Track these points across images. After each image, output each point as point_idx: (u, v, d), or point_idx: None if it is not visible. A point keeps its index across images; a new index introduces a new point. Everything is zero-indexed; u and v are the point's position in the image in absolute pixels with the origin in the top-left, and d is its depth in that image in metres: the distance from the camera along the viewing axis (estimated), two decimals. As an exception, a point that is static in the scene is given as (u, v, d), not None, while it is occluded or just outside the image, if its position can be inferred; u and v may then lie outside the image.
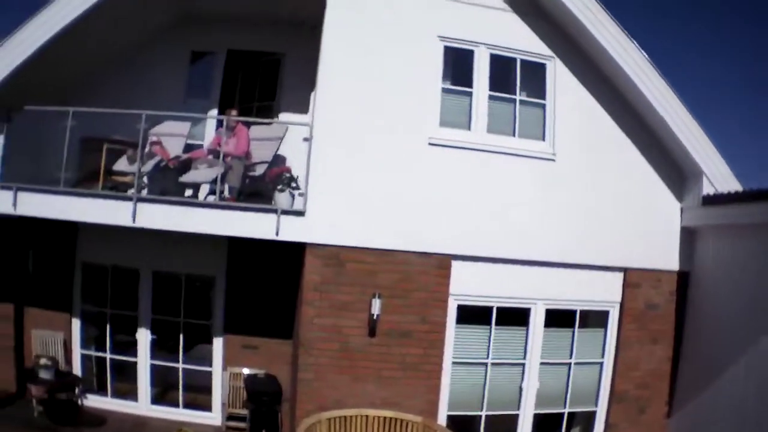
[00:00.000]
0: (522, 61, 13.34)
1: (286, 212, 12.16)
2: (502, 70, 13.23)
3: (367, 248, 12.29)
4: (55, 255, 15.21)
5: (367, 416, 12.52)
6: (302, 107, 14.56)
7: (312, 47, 13.47)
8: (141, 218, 12.25)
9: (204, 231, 12.18)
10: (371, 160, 12.40)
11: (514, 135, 13.12)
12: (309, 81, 13.72)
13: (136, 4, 14.00)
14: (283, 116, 14.92)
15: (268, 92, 15.59)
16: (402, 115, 12.51)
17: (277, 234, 12.08)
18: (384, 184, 12.39)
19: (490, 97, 13.09)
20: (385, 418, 12.54)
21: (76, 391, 15.24)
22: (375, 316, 12.15)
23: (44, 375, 13.43)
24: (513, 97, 13.23)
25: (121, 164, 13.15)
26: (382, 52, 12.65)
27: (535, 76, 13.46)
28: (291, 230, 12.15)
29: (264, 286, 14.58)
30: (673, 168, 13.80)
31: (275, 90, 15.42)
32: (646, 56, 12.83)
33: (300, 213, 12.17)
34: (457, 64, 13.08)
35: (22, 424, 13.56)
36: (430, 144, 12.50)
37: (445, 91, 12.86)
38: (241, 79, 16.11)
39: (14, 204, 12.68)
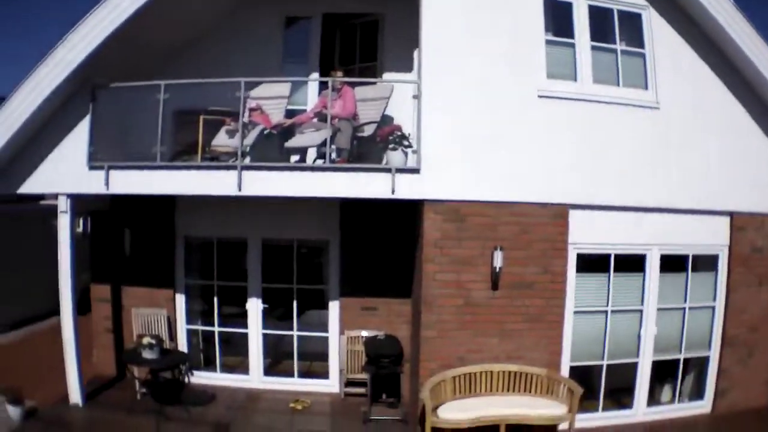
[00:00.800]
0: (618, 11, 13.43)
1: (400, 170, 12.21)
2: (600, 20, 13.34)
3: (487, 201, 12.36)
4: (153, 232, 15.59)
5: (491, 371, 12.79)
6: (405, 66, 14.57)
7: (411, 5, 13.19)
8: (247, 187, 12.40)
9: (316, 195, 12.37)
10: (482, 113, 12.40)
11: (618, 85, 13.20)
12: (410, 40, 13.77)
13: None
14: (387, 76, 14.80)
15: (368, 54, 15.53)
16: (509, 67, 12.52)
17: (393, 193, 12.17)
18: (496, 137, 12.44)
19: (592, 48, 13.20)
20: (509, 372, 12.80)
21: (182, 368, 15.60)
22: (497, 269, 12.29)
23: (148, 355, 13.44)
24: (613, 47, 13.35)
25: (221, 138, 13.25)
26: (484, 5, 12.66)
27: (632, 26, 13.58)
28: (406, 188, 12.20)
29: (379, 246, 14.70)
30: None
31: (376, 51, 15.36)
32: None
33: (415, 170, 12.20)
34: (557, 17, 13.18)
35: (125, 407, 13.85)
36: (539, 96, 12.50)
37: (548, 42, 12.95)
38: (339, 43, 16.21)
39: (107, 183, 12.98)
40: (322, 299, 15.40)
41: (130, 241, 15.68)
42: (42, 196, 15.77)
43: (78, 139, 13.16)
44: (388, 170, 12.23)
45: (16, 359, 18.11)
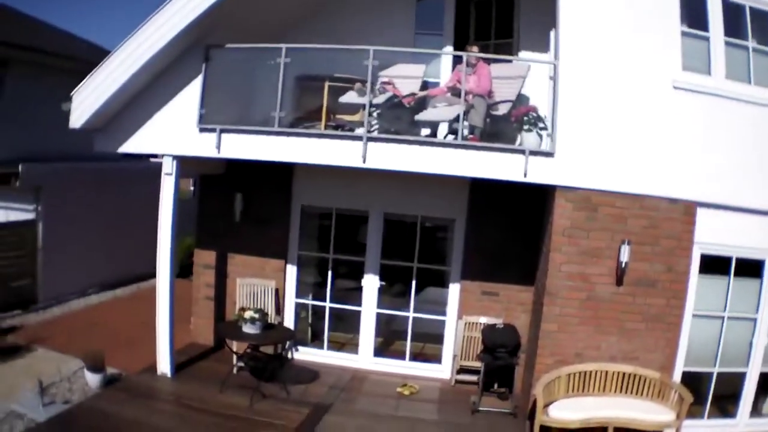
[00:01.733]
0: (751, 8, 12.94)
1: (534, 153, 11.98)
2: (732, 16, 12.90)
3: (618, 192, 12.07)
4: (267, 199, 15.65)
5: (606, 371, 12.57)
6: (541, 46, 14.17)
7: None
8: (372, 159, 12.32)
9: (446, 172, 12.21)
10: (616, 101, 12.09)
11: (749, 82, 12.74)
12: (546, 19, 13.29)
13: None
14: (523, 54, 14.55)
15: (504, 30, 15.16)
16: (646, 55, 12.09)
17: (525, 175, 11.97)
18: (630, 126, 12.11)
19: (725, 43, 12.74)
20: (623, 373, 12.58)
21: (287, 344, 15.62)
22: (623, 264, 12.02)
23: (249, 329, 13.30)
24: (745, 43, 12.86)
25: (349, 96, 13.00)
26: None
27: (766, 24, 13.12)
28: (539, 172, 11.99)
29: (505, 229, 14.59)
30: None
31: (511, 28, 15.02)
32: None
33: (549, 154, 11.97)
34: (691, 9, 12.75)
35: (217, 381, 13.78)
36: (674, 87, 12.02)
37: (684, 34, 12.53)
38: (474, 18, 15.69)
39: (218, 146, 13.03)
40: (442, 280, 15.33)
41: (241, 207, 15.66)
42: (154, 155, 15.30)
43: (188, 99, 13.20)
44: (522, 152, 12.00)
45: (105, 321, 18.73)
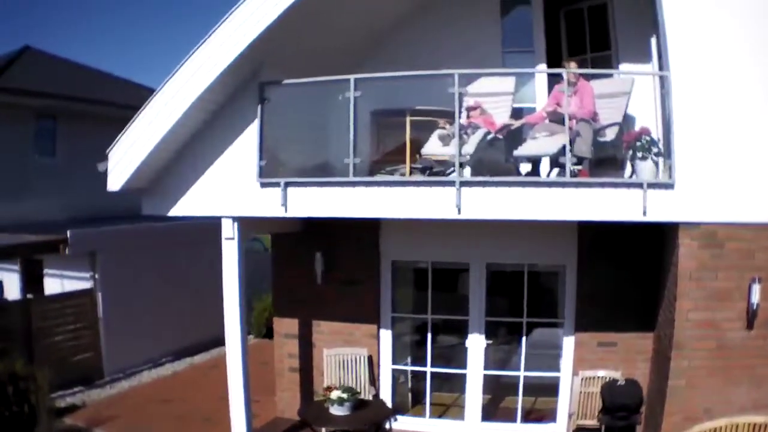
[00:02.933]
0: None
1: (652, 185, 10.82)
2: None
3: (746, 223, 10.81)
4: (351, 258, 14.87)
5: (737, 425, 11.07)
6: (642, 55, 13.16)
7: None
8: (468, 208, 11.33)
9: (555, 218, 11.31)
10: (737, 115, 10.86)
11: None
12: (646, 23, 12.59)
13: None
14: (623, 67, 13.54)
15: (599, 41, 14.18)
16: None
17: (644, 214, 10.85)
18: (754, 145, 10.85)
19: None
20: (754, 424, 11.07)
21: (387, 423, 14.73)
22: (755, 305, 10.77)
23: (337, 411, 12.65)
24: None
25: (432, 146, 12.11)
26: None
27: None
28: (659, 207, 10.84)
29: (620, 272, 13.45)
30: None
31: (608, 38, 14.03)
32: None
33: (668, 186, 10.79)
34: None
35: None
36: None
37: None
38: (565, 30, 15.04)
39: (284, 204, 12.15)
40: (555, 334, 14.44)
41: (322, 268, 14.82)
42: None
43: (245, 149, 12.35)
44: (639, 185, 10.83)
45: (179, 394, 17.91)
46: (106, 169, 12.48)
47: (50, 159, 21.74)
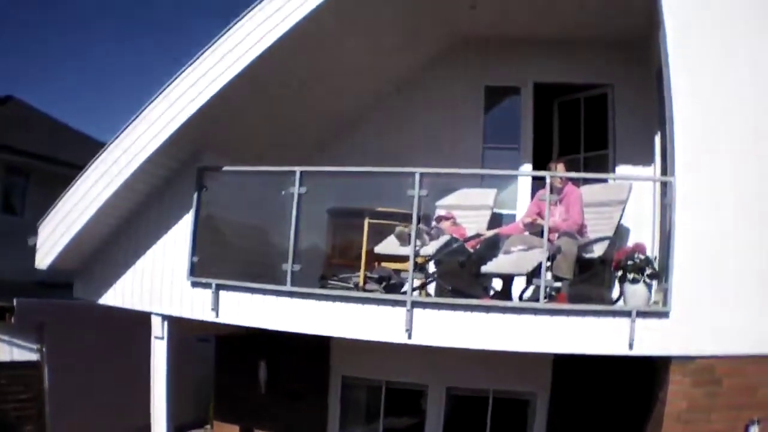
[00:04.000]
0: None
1: (643, 314, 9.24)
2: None
3: (748, 355, 9.25)
4: (299, 369, 13.64)
5: None
6: (643, 157, 12.19)
7: (647, 72, 11.51)
8: (421, 332, 9.88)
9: (522, 349, 9.70)
10: (741, 235, 9.38)
11: None
12: (649, 119, 11.70)
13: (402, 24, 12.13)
14: (621, 170, 12.54)
15: (596, 139, 13.17)
16: None
17: (630, 347, 9.27)
18: (764, 267, 9.25)
19: None
20: None
21: None
22: None
23: None
24: None
25: (388, 245, 10.89)
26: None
27: None
28: (650, 340, 9.29)
29: (599, 404, 12.07)
30: None
31: (605, 135, 13.04)
32: None
33: (663, 314, 9.21)
34: None
35: None
36: None
37: None
38: (558, 122, 13.90)
39: (215, 308, 10.76)
40: None
41: (265, 378, 13.63)
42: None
43: (177, 242, 11.18)
44: (627, 314, 9.27)
45: None
46: (35, 244, 11.55)
47: (18, 219, 20.61)
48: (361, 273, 10.89)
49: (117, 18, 66.12)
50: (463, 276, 10.76)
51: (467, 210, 11.55)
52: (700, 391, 9.51)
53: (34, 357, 17.39)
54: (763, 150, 9.47)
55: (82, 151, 22.15)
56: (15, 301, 16.58)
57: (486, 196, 11.72)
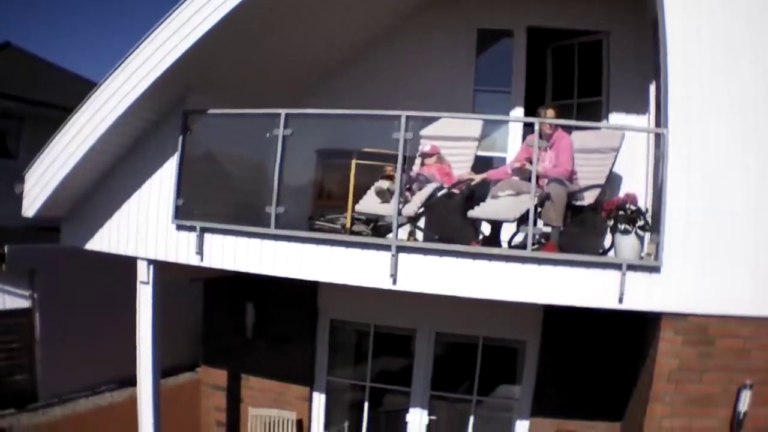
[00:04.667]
0: None
1: (633, 267, 8.96)
2: None
3: (745, 317, 8.96)
4: (287, 310, 13.45)
5: None
6: (637, 104, 11.79)
7: (644, 20, 11.18)
8: (405, 279, 9.67)
9: (509, 298, 9.48)
10: (745, 184, 9.12)
11: None
12: (645, 66, 11.37)
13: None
14: (614, 118, 12.09)
15: (589, 85, 12.65)
16: None
17: (620, 301, 9.04)
18: (762, 227, 9.05)
19: None
20: None
21: None
22: (741, 414, 9.00)
23: None
24: None
25: (368, 203, 10.57)
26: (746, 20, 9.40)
27: None
28: (640, 294, 9.03)
29: (589, 355, 11.97)
30: None
31: (599, 81, 12.51)
32: None
33: (654, 268, 8.92)
34: None
35: None
36: None
37: None
38: (552, 69, 13.47)
39: (199, 251, 10.59)
40: (507, 415, 12.95)
41: (253, 320, 13.47)
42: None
43: (162, 185, 10.95)
44: (617, 266, 8.97)
45: (114, 429, 16.38)
46: (22, 192, 11.41)
47: (13, 162, 20.19)
48: (348, 214, 10.69)
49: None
50: (450, 220, 10.66)
51: (452, 141, 11.30)
52: (692, 350, 9.35)
53: (25, 304, 17.42)
54: (761, 103, 9.21)
55: (78, 94, 22.31)
56: (6, 248, 16.44)
57: (471, 126, 11.36)
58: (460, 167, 11.02)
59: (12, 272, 16.85)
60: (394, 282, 9.68)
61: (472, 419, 12.88)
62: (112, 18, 69.72)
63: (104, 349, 18.16)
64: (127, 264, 11.57)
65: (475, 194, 10.76)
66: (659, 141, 9.47)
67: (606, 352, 11.86)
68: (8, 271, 16.65)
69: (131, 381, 18.14)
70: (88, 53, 62.49)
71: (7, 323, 17.09)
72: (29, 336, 17.42)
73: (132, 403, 17.19)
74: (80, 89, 22.92)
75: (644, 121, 11.66)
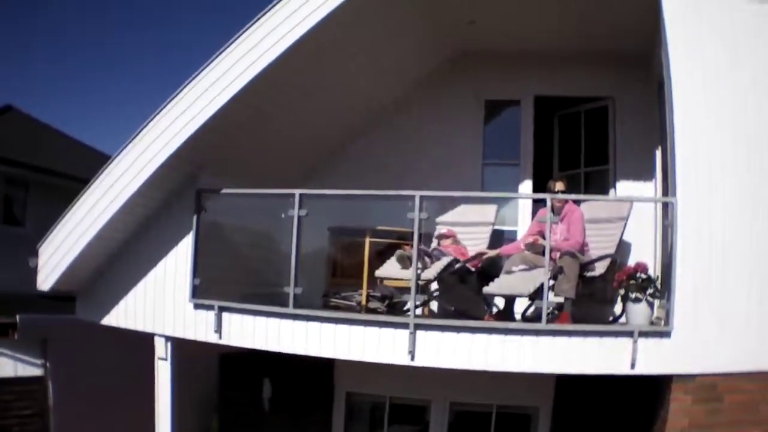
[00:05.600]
0: None
1: (645, 334, 9.26)
2: None
3: (750, 372, 9.21)
4: (302, 386, 13.58)
5: None
6: (644, 171, 12.13)
7: (648, 85, 11.52)
8: (423, 353, 9.96)
9: (523, 370, 9.75)
10: (743, 250, 9.34)
11: None
12: (649, 133, 11.77)
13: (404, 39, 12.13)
14: (622, 186, 12.48)
15: (596, 153, 13.11)
16: None
17: (632, 367, 9.32)
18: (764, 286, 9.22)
19: None
20: None
21: None
22: None
23: None
24: None
25: (389, 268, 10.82)
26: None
27: None
28: (651, 359, 9.32)
29: (602, 420, 12.01)
30: None
31: (606, 149, 12.96)
32: None
33: (665, 333, 9.23)
34: None
35: None
36: None
37: None
38: (558, 138, 13.81)
39: (218, 330, 10.85)
40: None
41: (269, 395, 13.60)
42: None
43: (179, 263, 11.17)
44: (629, 334, 9.29)
45: None
46: (36, 266, 11.58)
47: (20, 229, 20.49)
48: (364, 291, 10.99)
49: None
50: (465, 295, 10.92)
51: (468, 227, 11.60)
52: (702, 408, 9.51)
53: (38, 372, 17.49)
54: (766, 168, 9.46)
55: (81, 161, 22.23)
56: (18, 318, 16.61)
57: (486, 212, 11.73)
58: (477, 245, 11.42)
59: (24, 341, 17.00)
60: (413, 358, 9.91)
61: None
62: (116, 87, 69.92)
63: (116, 419, 18.15)
64: (140, 337, 11.76)
65: (489, 270, 11.07)
66: (667, 209, 9.77)
67: (617, 415, 11.94)
68: (20, 340, 16.83)
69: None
70: (90, 121, 62.69)
71: (20, 390, 17.12)
72: (42, 403, 17.49)
73: None
74: (83, 156, 23.51)
75: (651, 186, 11.88)
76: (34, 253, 11.49)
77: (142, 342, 12.38)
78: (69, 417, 17.60)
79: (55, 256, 11.16)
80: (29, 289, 16.09)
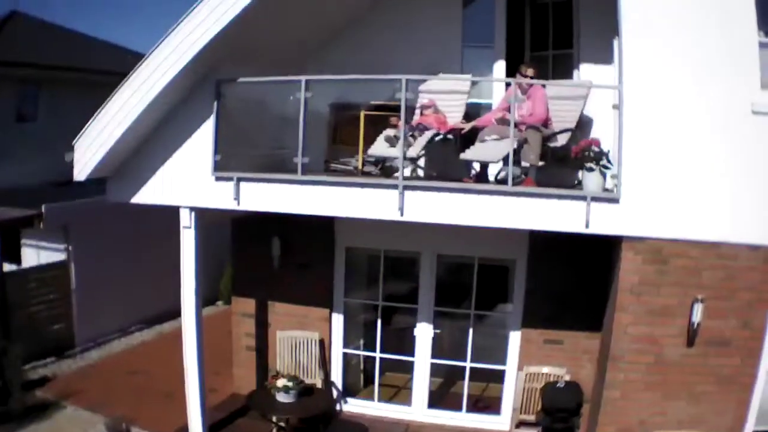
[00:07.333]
0: None
1: (597, 199, 10.80)
2: None
3: (693, 240, 10.79)
4: (307, 243, 15.13)
5: (672, 438, 11.24)
6: (604, 57, 12.90)
7: None
8: (411, 211, 11.53)
9: (495, 225, 11.33)
10: (687, 131, 10.82)
11: None
12: (609, 24, 12.10)
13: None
14: (584, 68, 13.44)
15: (563, 38, 13.99)
16: (716, 74, 10.70)
17: (586, 226, 10.86)
18: (703, 162, 10.78)
19: None
20: (691, 439, 11.23)
21: (335, 394, 15.14)
22: (695, 325, 10.87)
23: (282, 398, 13.06)
24: None
25: (378, 147, 12.37)
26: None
27: None
28: (603, 221, 10.89)
29: (570, 272, 13.75)
30: None
31: (571, 36, 13.83)
32: None
33: (613, 200, 10.79)
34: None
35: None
36: (754, 112, 10.56)
37: (762, 45, 10.66)
38: (530, 24, 14.63)
39: (237, 197, 12.34)
40: (501, 327, 14.75)
41: (279, 252, 15.16)
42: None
43: (202, 143, 12.48)
44: (583, 198, 10.81)
45: (145, 367, 18.23)
46: (72, 160, 12.61)
47: (32, 124, 22.19)
48: (360, 158, 12.44)
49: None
50: (446, 160, 12.58)
51: (446, 94, 12.78)
52: (650, 268, 11.20)
53: (61, 257, 19.22)
54: (713, 50, 10.67)
55: (90, 54, 23.79)
56: (43, 208, 18.08)
57: (461, 83, 13.00)
58: (454, 116, 12.61)
59: (49, 230, 18.59)
60: (402, 214, 11.42)
61: (471, 331, 14.53)
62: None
63: (132, 293, 20.22)
64: (151, 213, 13.24)
65: (466, 138, 12.38)
66: (619, 93, 10.92)
67: (584, 271, 13.50)
68: (45, 229, 18.40)
69: (156, 320, 20.58)
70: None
71: (44, 276, 18.83)
72: (66, 287, 19.20)
73: (160, 339, 19.69)
74: (94, 49, 24.62)
75: (611, 70, 12.74)
76: (70, 149, 12.49)
77: (153, 218, 13.96)
78: (89, 296, 19.38)
79: (90, 149, 12.30)
80: (42, 179, 18.22)
